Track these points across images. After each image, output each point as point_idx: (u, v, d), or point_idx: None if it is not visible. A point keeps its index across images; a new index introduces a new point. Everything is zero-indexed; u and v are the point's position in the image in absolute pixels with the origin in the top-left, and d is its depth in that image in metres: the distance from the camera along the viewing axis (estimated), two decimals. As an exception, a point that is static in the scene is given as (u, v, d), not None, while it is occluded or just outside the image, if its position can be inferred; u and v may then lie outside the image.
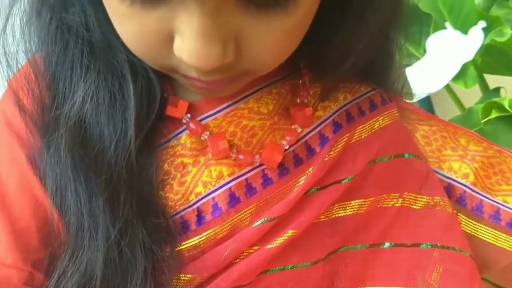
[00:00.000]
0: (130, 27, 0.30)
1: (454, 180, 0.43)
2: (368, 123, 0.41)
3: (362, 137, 0.41)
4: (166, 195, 0.37)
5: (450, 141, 0.45)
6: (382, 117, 0.42)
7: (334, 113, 0.41)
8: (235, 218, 0.37)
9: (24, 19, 0.36)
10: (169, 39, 0.29)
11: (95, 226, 0.35)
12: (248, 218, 0.37)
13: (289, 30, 0.30)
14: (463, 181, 0.43)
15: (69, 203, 0.35)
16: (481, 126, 0.61)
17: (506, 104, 0.58)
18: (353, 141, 0.40)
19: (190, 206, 0.37)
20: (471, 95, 0.81)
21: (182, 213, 0.37)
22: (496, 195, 0.43)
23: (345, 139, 0.40)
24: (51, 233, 0.37)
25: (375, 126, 0.42)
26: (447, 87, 0.80)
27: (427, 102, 0.97)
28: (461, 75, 0.72)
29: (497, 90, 0.73)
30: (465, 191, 0.43)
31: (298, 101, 0.40)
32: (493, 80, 0.79)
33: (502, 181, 0.43)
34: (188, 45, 0.28)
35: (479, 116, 0.62)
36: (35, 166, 0.37)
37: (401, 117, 0.44)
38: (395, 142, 0.42)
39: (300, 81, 0.41)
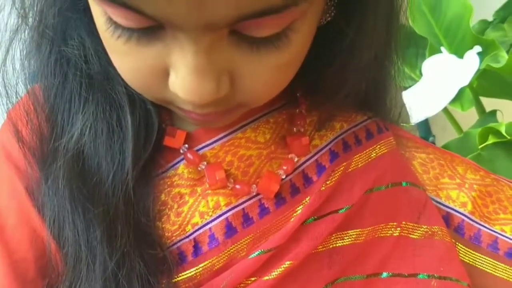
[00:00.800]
0: (126, 62, 0.31)
1: (452, 209, 0.43)
2: (365, 152, 0.42)
3: (359, 166, 0.41)
4: (163, 225, 0.37)
5: (447, 169, 0.45)
6: (378, 146, 0.42)
7: (330, 142, 0.41)
8: (232, 249, 0.37)
9: (24, 51, 0.37)
10: (165, 74, 0.30)
11: (92, 258, 0.35)
12: (245, 249, 0.37)
13: (282, 65, 0.31)
14: (461, 210, 0.43)
15: (67, 234, 0.35)
16: (479, 151, 0.62)
17: (503, 130, 0.59)
18: (350, 170, 0.40)
19: (187, 237, 0.37)
20: (469, 116, 0.81)
21: (179, 244, 0.37)
22: (494, 224, 0.43)
23: (342, 168, 0.40)
24: (48, 264, 0.37)
25: (372, 155, 0.42)
26: (445, 109, 0.80)
27: (424, 124, 0.97)
28: (457, 98, 0.72)
29: (493, 113, 0.73)
30: (463, 220, 0.43)
31: (294, 130, 0.40)
32: (489, 103, 0.79)
33: (499, 210, 0.43)
34: (182, 81, 0.29)
35: (476, 141, 0.62)
36: (34, 197, 0.37)
37: (398, 145, 0.44)
38: (392, 171, 0.42)
39: (297, 110, 0.41)
